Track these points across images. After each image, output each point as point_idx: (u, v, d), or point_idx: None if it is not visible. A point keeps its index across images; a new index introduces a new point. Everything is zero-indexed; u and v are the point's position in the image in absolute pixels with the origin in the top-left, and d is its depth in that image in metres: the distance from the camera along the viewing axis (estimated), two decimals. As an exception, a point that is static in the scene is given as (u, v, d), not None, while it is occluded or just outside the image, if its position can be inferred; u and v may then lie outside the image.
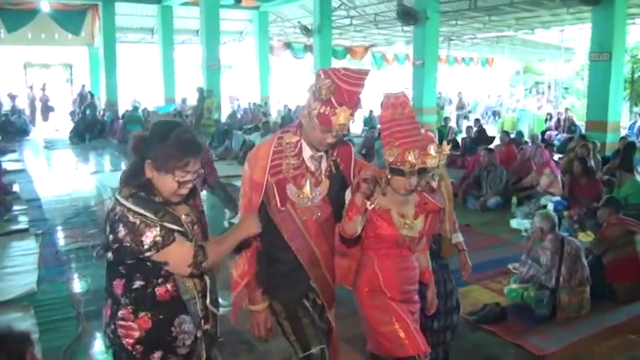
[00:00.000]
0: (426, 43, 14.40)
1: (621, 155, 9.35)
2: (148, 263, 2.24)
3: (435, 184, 3.42)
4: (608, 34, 10.53)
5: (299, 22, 20.75)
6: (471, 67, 29.43)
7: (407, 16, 14.49)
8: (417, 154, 2.77)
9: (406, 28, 18.21)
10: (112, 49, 21.01)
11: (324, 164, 2.84)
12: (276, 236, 2.74)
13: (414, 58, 15.24)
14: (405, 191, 2.87)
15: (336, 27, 21.12)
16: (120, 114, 19.00)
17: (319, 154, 2.80)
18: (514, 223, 7.86)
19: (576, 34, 23.88)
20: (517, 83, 31.74)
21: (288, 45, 25.29)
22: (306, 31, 19.79)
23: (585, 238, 6.48)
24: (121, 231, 2.16)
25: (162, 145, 2.22)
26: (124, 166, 4.36)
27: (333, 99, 2.57)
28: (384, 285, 2.91)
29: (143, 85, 26.34)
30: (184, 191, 2.31)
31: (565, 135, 15.54)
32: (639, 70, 23.96)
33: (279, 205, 2.73)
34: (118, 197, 2.22)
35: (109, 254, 2.25)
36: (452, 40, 23.48)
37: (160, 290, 2.30)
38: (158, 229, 2.18)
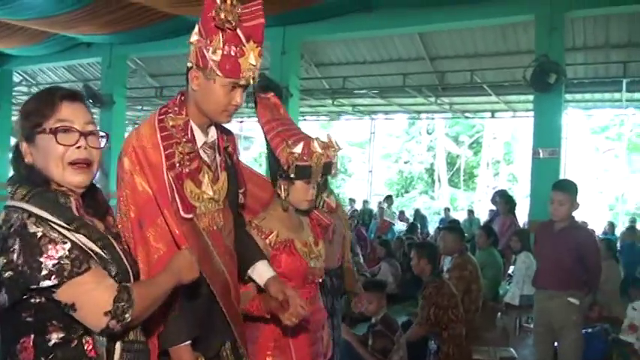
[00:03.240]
0: (112, 126, 14.44)
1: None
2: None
3: (333, 204, 3.09)
4: (284, 126, 11.69)
5: (-29, 96, 19.10)
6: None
7: (94, 98, 14.49)
8: (321, 144, 2.38)
9: (92, 110, 17.98)
10: None
11: (217, 154, 2.16)
12: None
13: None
14: (308, 203, 2.46)
15: (17, 103, 19.92)
16: None
17: (212, 138, 2.14)
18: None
19: (254, 125, 26.03)
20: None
21: (-45, 121, 22.90)
22: (-20, 106, 18.30)
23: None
24: (16, 249, 1.48)
25: (25, 108, 1.69)
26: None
27: (239, 32, 1.94)
28: (291, 338, 2.41)
29: None
30: (77, 156, 1.63)
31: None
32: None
33: (181, 211, 1.97)
34: (13, 202, 1.56)
35: (3, 294, 1.51)
36: (137, 124, 23.74)
37: (88, 343, 1.59)
38: (67, 247, 1.49)
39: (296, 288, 2.36)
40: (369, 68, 12.40)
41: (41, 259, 1.46)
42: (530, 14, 8.21)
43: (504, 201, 8.47)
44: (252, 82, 2.00)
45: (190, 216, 1.98)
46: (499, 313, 6.69)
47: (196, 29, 1.99)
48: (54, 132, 1.60)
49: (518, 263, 6.85)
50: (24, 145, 1.64)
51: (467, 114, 16.17)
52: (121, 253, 1.69)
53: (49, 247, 1.47)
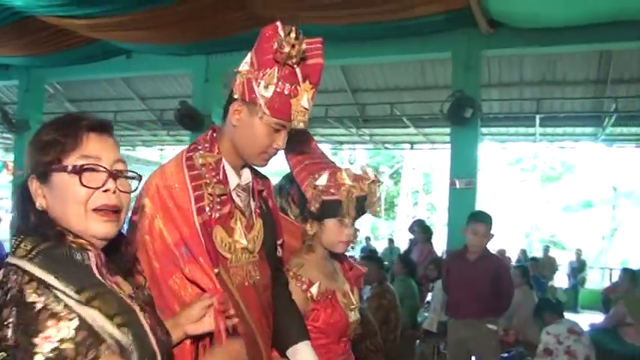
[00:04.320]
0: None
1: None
2: None
3: None
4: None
5: None
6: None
7: (9, 123, 14.00)
8: (351, 175, 2.07)
9: (6, 135, 17.36)
10: None
11: (251, 199, 1.88)
12: None
13: (15, 167, 14.60)
14: (344, 245, 2.14)
15: None
16: None
17: (246, 181, 1.87)
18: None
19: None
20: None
21: None
22: None
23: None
24: (12, 322, 1.12)
25: (39, 137, 1.33)
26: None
27: (298, 70, 1.73)
28: None
29: None
30: (105, 201, 1.29)
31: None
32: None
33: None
34: (14, 260, 1.20)
35: None
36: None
37: None
38: (74, 325, 1.13)
39: (332, 343, 2.14)
40: (293, 98, 12.48)
41: (36, 340, 1.09)
42: (448, 52, 8.50)
43: (421, 230, 8.68)
44: (301, 126, 1.75)
45: (217, 270, 1.67)
46: (417, 341, 6.79)
47: (248, 58, 1.76)
48: (78, 171, 1.27)
49: (436, 291, 6.98)
50: (35, 184, 1.30)
51: (387, 145, 16.46)
52: (148, 329, 1.30)
53: (49, 323, 1.11)
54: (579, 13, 6.60)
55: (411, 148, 16.21)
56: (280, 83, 1.69)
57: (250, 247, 1.80)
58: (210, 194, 1.72)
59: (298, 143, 2.13)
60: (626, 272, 7.13)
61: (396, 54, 9.03)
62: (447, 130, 9.86)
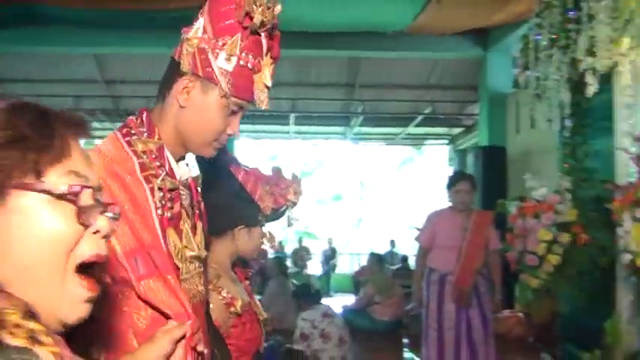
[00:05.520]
0: None
1: None
2: None
3: None
4: None
5: None
6: None
7: None
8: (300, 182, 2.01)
9: None
10: None
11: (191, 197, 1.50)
12: None
13: None
14: (254, 251, 2.00)
15: None
16: None
17: (186, 175, 1.48)
18: None
19: None
20: None
21: None
22: None
23: None
24: None
25: None
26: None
27: (264, 37, 1.42)
28: None
29: None
30: (96, 250, 0.77)
31: None
32: None
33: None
34: None
35: None
36: None
37: None
38: None
39: None
40: (38, 87, 11.55)
41: None
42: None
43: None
44: (263, 107, 1.44)
45: None
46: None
47: (199, 23, 1.40)
48: (73, 198, 0.74)
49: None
50: None
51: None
52: None
53: None
54: (332, 22, 7.17)
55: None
56: (244, 55, 1.37)
57: (202, 254, 1.46)
58: (160, 188, 1.35)
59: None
60: (373, 256, 7.73)
61: (153, 46, 8.76)
62: (207, 125, 9.88)
